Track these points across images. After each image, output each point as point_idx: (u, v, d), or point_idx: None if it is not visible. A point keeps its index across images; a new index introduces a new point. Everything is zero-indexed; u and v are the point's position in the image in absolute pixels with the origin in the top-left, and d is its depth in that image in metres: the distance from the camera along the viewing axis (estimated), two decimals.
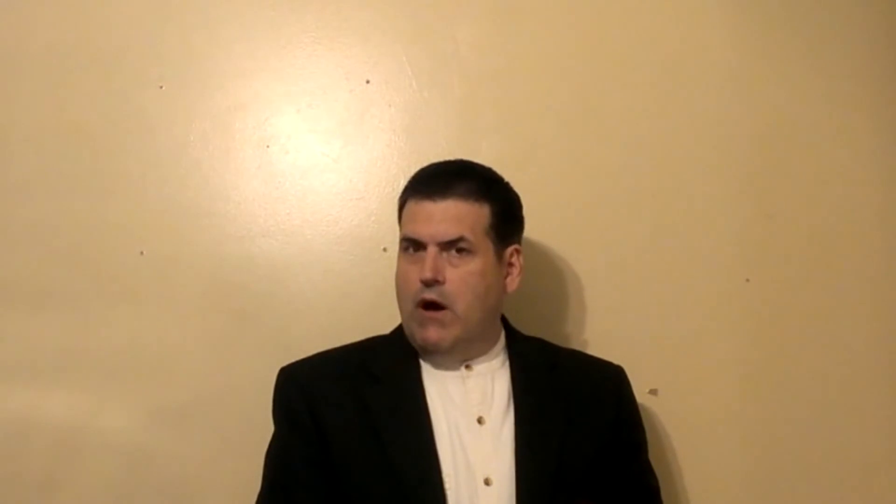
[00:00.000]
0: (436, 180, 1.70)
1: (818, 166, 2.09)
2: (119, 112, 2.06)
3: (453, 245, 1.65)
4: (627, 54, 2.10)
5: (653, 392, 2.00)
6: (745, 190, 2.08)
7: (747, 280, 2.06)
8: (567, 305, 2.05)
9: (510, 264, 1.73)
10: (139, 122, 2.06)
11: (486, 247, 1.68)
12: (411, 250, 1.69)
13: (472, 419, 1.67)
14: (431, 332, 1.66)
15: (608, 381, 1.79)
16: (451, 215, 1.65)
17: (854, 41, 2.11)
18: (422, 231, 1.67)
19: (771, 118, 2.09)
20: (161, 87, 2.07)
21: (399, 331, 1.74)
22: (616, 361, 1.84)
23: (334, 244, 2.05)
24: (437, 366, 1.71)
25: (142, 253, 2.03)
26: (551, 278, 2.05)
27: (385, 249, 2.00)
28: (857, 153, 2.09)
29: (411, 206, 1.70)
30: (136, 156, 2.05)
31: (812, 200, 2.08)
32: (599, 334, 2.03)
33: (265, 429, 1.75)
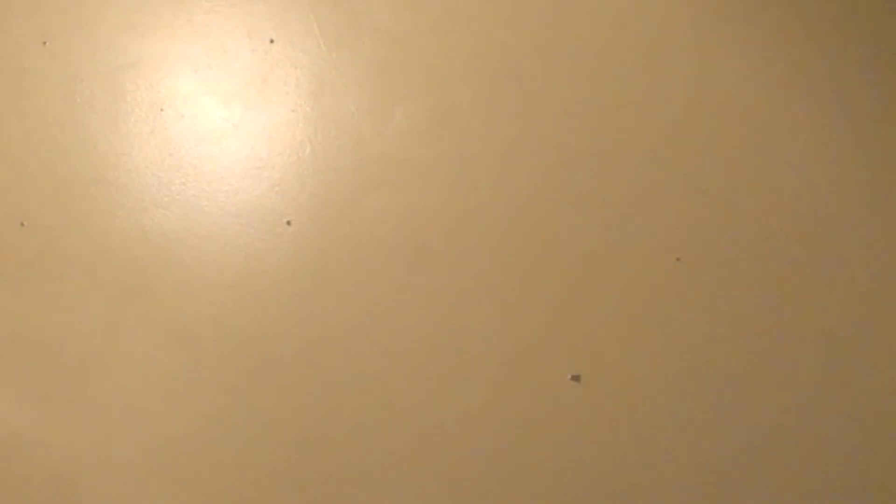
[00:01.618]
0: None
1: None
2: None
3: None
4: (559, 15, 2.05)
5: (575, 378, 1.97)
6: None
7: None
8: None
9: None
10: (19, 82, 2.02)
11: None
12: None
13: None
14: None
15: None
16: None
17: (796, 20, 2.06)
18: None
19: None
20: (44, 44, 2.02)
21: None
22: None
23: (233, 216, 1.99)
24: None
25: (22, 224, 1.98)
26: None
27: (289, 223, 1.96)
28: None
29: None
30: (15, 118, 2.01)
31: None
32: None
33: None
